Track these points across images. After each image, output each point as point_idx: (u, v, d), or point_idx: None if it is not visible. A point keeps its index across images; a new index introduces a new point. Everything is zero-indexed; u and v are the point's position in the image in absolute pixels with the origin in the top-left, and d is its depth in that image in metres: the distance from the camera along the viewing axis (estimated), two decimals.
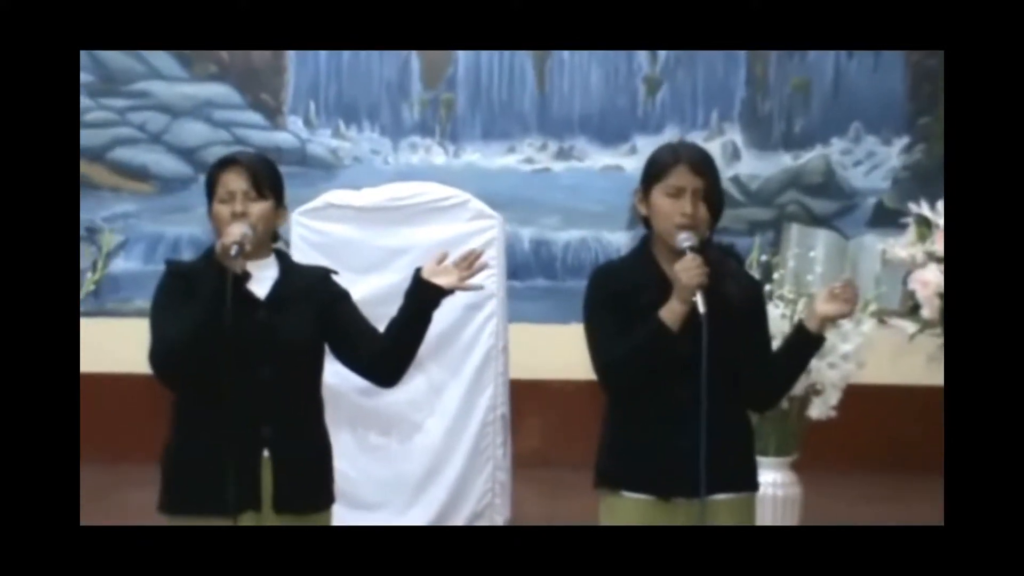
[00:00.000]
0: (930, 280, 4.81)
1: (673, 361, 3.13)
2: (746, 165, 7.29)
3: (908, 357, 4.97)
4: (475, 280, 3.25)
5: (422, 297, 3.20)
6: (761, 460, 4.39)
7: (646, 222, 3.27)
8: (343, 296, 3.36)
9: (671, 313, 3.12)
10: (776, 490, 4.69)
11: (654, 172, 3.22)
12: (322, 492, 3.33)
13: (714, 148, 7.03)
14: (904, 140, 7.26)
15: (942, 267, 4.82)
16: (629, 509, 3.18)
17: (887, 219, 6.67)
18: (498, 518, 5.49)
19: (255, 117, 7.50)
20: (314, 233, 5.45)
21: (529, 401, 6.25)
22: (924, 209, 4.99)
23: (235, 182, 3.23)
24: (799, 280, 4.83)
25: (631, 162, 7.04)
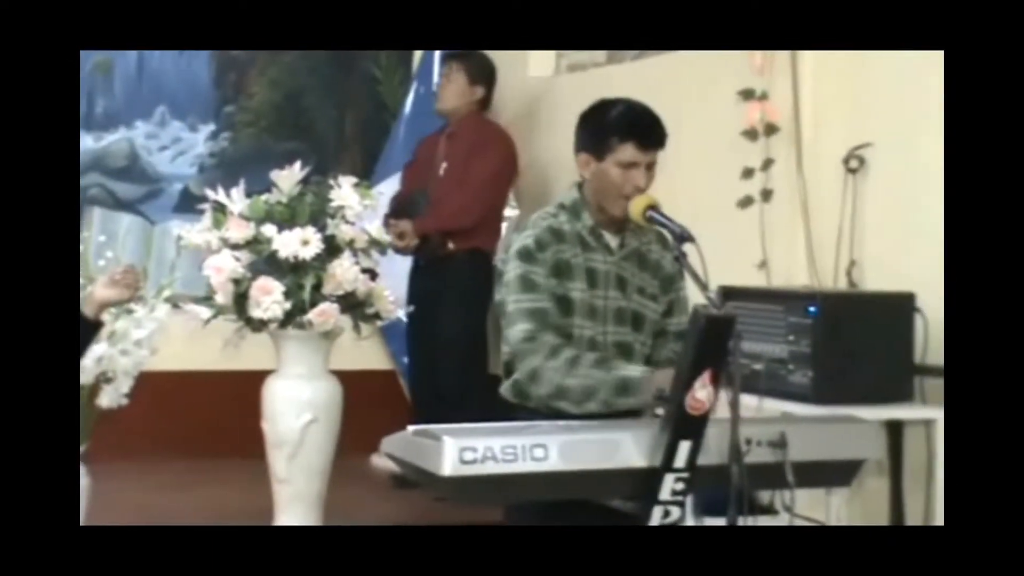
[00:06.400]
0: (223, 266, 4.88)
1: None
2: None
3: (204, 342, 5.02)
4: None
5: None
6: None
7: None
8: None
9: None
10: None
11: None
12: None
13: None
14: (210, 127, 7.30)
15: (235, 253, 4.91)
16: None
17: (193, 205, 6.67)
18: None
19: None
20: None
21: None
22: (221, 196, 5.07)
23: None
24: (89, 266, 4.68)
25: None
